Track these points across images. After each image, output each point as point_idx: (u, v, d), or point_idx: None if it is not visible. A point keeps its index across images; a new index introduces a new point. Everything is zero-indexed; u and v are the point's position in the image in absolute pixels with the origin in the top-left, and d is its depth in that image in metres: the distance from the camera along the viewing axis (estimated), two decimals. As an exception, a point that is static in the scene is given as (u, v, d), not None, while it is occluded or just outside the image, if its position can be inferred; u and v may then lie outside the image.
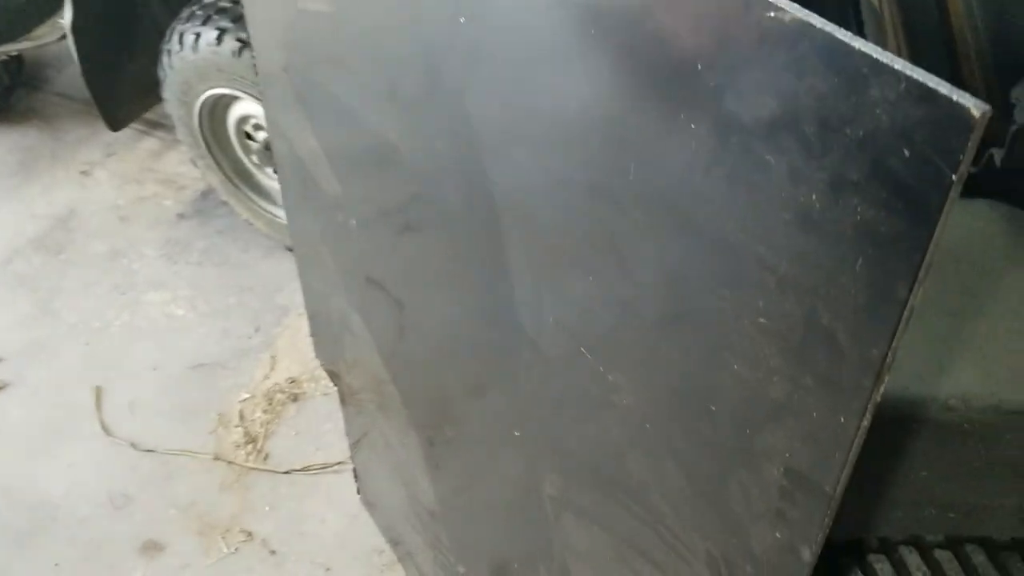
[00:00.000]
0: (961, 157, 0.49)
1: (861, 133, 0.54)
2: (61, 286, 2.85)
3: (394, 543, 2.11)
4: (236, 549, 2.19)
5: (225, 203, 2.89)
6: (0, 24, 2.95)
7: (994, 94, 1.11)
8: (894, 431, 1.01)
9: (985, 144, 1.16)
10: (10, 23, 2.96)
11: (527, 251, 0.98)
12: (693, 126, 0.66)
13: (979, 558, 1.21)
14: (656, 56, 0.67)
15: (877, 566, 1.24)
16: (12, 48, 3.03)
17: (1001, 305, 1.05)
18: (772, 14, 0.56)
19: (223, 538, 2.22)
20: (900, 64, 0.50)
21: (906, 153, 0.52)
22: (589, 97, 0.77)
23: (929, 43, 1.13)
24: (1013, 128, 1.07)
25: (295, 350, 2.62)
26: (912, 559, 1.23)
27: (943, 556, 1.22)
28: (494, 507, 1.44)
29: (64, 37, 2.53)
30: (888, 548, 1.25)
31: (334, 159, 1.42)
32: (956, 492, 1.06)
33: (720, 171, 0.66)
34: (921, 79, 0.49)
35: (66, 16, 2.44)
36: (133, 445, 2.41)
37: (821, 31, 0.53)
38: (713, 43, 0.62)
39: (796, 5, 0.55)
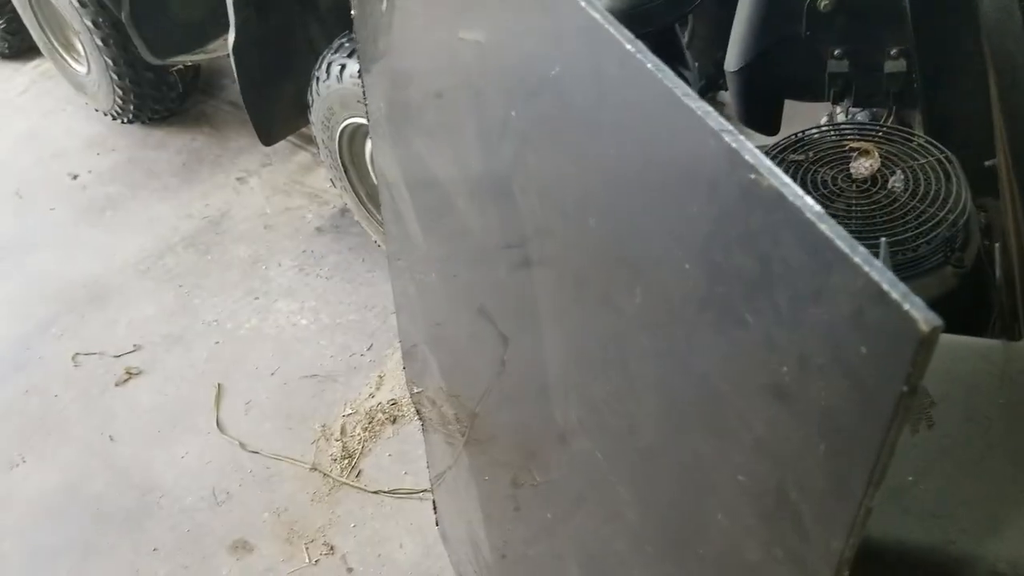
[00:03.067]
0: (911, 370, 0.45)
1: (826, 316, 0.51)
2: (203, 285, 3.04)
3: (463, 580, 2.12)
4: (317, 561, 2.27)
5: (359, 223, 3.01)
6: (178, 36, 3.19)
7: None
8: (933, 584, 0.94)
9: None
10: (188, 36, 3.20)
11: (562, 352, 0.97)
12: (687, 266, 0.64)
13: None
14: (657, 194, 0.66)
15: None
16: (188, 59, 3.28)
17: (1081, 462, 0.95)
18: (752, 176, 0.54)
19: (307, 548, 2.30)
20: (860, 257, 0.47)
21: (863, 350, 0.48)
22: (604, 228, 0.76)
23: None
24: None
25: (401, 373, 2.69)
26: None
27: None
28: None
29: (232, 54, 2.72)
30: None
31: (419, 209, 1.46)
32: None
33: (708, 316, 0.63)
34: (876, 278, 0.46)
35: (230, 38, 2.61)
36: (242, 445, 2.54)
37: (791, 204, 0.51)
38: (703, 194, 0.59)
39: (778, 173, 0.53)
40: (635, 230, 0.71)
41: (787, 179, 0.52)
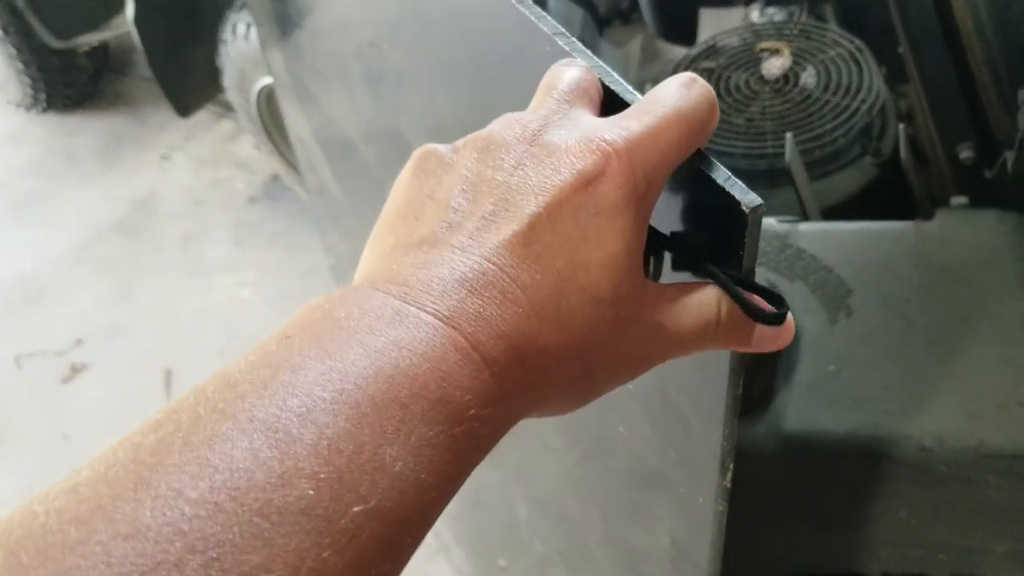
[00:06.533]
0: (741, 253, 0.43)
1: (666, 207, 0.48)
2: (138, 270, 2.97)
3: (435, 534, 2.12)
4: (286, 531, 2.26)
5: (291, 189, 2.95)
6: (79, 15, 3.08)
7: (1004, 92, 1.00)
8: (863, 469, 0.94)
9: (997, 146, 1.05)
10: (89, 14, 3.08)
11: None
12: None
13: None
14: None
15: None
16: (94, 38, 3.16)
17: (997, 332, 0.95)
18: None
19: (275, 519, 2.28)
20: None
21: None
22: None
23: (930, 37, 1.03)
24: (1020, 133, 0.96)
25: (353, 333, 2.66)
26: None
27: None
28: (491, 517, 1.43)
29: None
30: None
31: (330, 158, 1.42)
32: (941, 534, 0.98)
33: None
34: (696, 163, 0.43)
35: (128, 10, 2.51)
36: (197, 426, 2.51)
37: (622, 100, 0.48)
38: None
39: (608, 70, 0.50)
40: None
41: (616, 76, 0.49)
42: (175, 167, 3.31)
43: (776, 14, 1.96)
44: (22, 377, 2.73)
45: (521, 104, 0.53)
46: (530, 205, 0.33)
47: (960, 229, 1.03)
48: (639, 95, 0.45)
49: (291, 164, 2.80)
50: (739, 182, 0.38)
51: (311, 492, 0.25)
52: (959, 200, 1.07)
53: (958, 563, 1.02)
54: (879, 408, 0.93)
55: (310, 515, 0.24)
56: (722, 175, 0.39)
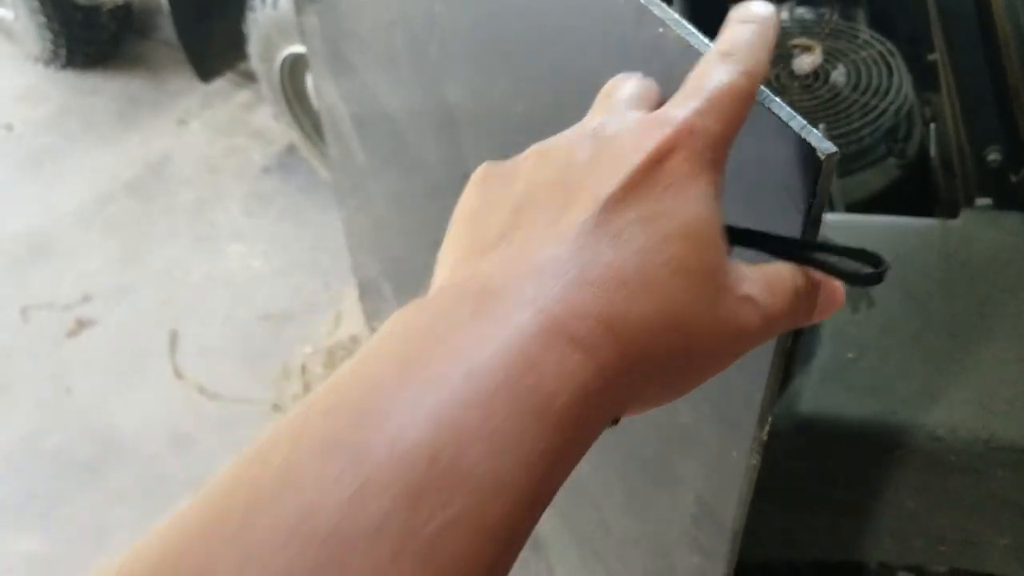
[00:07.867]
0: (812, 202, 0.44)
1: (740, 160, 0.50)
2: (150, 232, 2.98)
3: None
4: (284, 498, 2.27)
5: (306, 161, 2.95)
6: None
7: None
8: (877, 455, 0.95)
9: (1025, 151, 1.06)
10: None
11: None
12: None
13: (983, 592, 1.14)
14: (575, 71, 0.64)
15: (881, 588, 1.18)
16: (118, -2, 3.17)
17: (1015, 329, 0.97)
18: (660, 30, 0.52)
19: (273, 486, 2.30)
20: (762, 94, 0.46)
21: (770, 188, 0.48)
22: (532, 114, 0.74)
23: (968, 41, 1.04)
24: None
25: (359, 310, 2.67)
26: (916, 585, 1.18)
27: (946, 586, 1.16)
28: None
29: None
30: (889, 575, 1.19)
31: (359, 126, 1.43)
32: (946, 525, 0.99)
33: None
34: (774, 110, 0.45)
35: (157, -28, 2.52)
36: (200, 389, 2.53)
37: (697, 52, 0.49)
38: (613, 60, 0.58)
39: (684, 24, 0.51)
40: (558, 114, 0.70)
41: (693, 29, 0.50)
42: (191, 133, 3.32)
43: (806, 14, 1.98)
44: (28, 330, 2.75)
45: (597, 71, 0.55)
46: (602, 190, 0.34)
47: (984, 229, 1.04)
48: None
49: (309, 135, 2.81)
50: (815, 131, 0.40)
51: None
52: (983, 201, 1.08)
53: (958, 556, 1.04)
54: (895, 396, 0.94)
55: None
56: (798, 123, 0.41)
